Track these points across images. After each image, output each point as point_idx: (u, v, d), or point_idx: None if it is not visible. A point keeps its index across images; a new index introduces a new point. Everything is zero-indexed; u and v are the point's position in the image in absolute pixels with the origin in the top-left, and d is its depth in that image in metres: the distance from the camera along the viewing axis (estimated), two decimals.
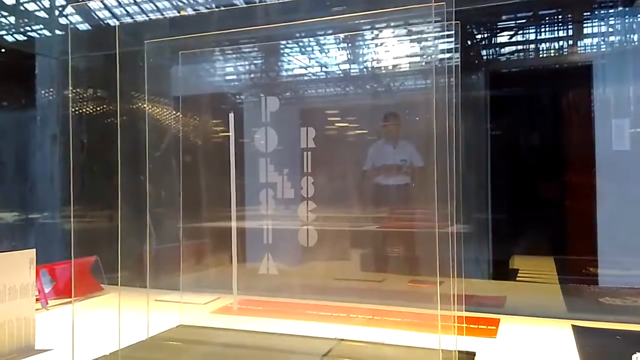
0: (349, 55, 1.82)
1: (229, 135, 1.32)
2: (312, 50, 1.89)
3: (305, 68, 1.82)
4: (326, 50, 1.90)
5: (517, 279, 1.18)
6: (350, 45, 1.80)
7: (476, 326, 0.97)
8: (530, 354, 0.84)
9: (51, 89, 2.03)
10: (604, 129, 1.36)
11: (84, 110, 1.97)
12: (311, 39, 1.87)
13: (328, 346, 0.84)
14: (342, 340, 0.87)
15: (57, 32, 2.06)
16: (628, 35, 1.54)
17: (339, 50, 1.84)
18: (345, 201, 1.20)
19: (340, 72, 1.79)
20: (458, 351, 0.80)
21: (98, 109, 1.96)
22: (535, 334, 0.93)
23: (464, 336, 0.88)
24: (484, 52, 1.88)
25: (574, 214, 1.32)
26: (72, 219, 1.00)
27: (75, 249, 0.94)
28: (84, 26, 1.99)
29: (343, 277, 1.21)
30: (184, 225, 0.94)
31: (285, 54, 1.86)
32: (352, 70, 1.87)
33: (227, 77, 1.90)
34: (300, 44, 1.87)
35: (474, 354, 0.83)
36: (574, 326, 0.92)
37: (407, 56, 1.82)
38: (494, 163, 1.25)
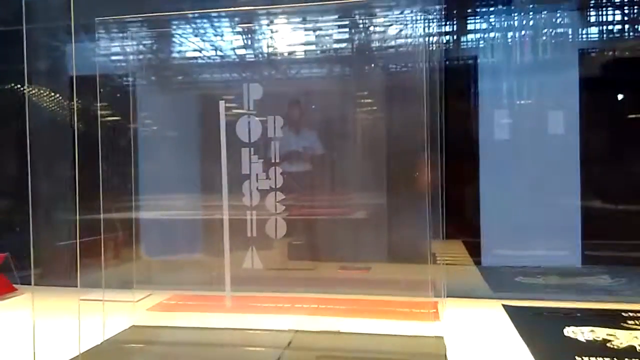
0: (245, 41, 1.78)
1: (117, 119, 1.26)
2: (206, 32, 1.83)
3: (200, 51, 1.76)
4: (221, 34, 1.85)
5: (437, 262, 1.24)
6: (247, 30, 1.76)
7: (418, 310, 1.00)
8: (480, 334, 0.88)
9: None
10: (487, 120, 1.46)
11: None
12: (205, 20, 1.81)
13: (287, 338, 0.83)
14: (297, 331, 0.86)
15: None
16: (510, 32, 1.66)
17: (234, 34, 1.80)
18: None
19: (236, 57, 1.76)
20: (426, 336, 0.82)
21: None
22: (473, 314, 0.97)
23: (412, 321, 0.90)
24: (375, 45, 1.93)
25: (464, 198, 1.41)
26: None
27: None
28: None
29: (274, 267, 1.19)
30: (80, 217, 0.87)
31: (177, 36, 1.78)
32: (247, 56, 1.84)
33: (114, 58, 1.78)
34: (194, 25, 1.80)
35: (442, 337, 0.85)
36: (504, 305, 0.99)
37: (303, 44, 1.82)
38: (390, 152, 1.29)
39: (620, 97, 1.71)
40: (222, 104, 0.95)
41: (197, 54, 1.79)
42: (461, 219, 1.37)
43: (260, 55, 1.81)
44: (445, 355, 0.79)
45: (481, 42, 1.77)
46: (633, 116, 1.68)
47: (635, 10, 1.87)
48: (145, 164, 0.98)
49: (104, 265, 0.85)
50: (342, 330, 0.88)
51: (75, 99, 0.98)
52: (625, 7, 1.86)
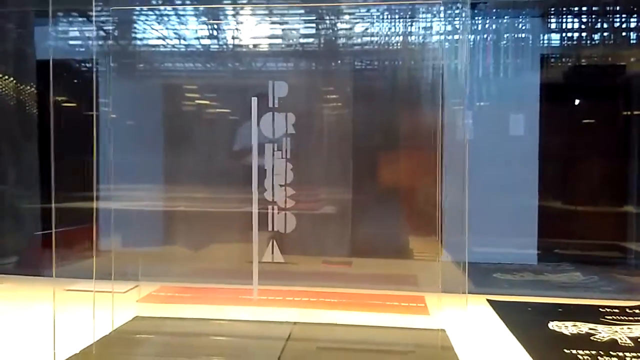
0: (210, 31, 1.75)
1: (73, 106, 1.21)
2: (169, 20, 1.79)
3: (164, 39, 1.72)
4: (185, 22, 1.81)
5: (415, 257, 1.25)
6: (211, 20, 1.73)
7: (407, 304, 1.01)
8: (471, 327, 0.89)
9: None
10: (451, 122, 1.48)
11: None
12: (169, 8, 1.77)
13: (287, 330, 0.84)
14: (296, 323, 0.87)
15: None
16: (478, 35, 1.69)
17: (198, 24, 1.77)
18: (218, 181, 1.16)
19: (200, 47, 1.72)
20: (429, 329, 0.83)
21: None
22: (460, 309, 0.98)
23: (403, 315, 0.91)
24: (341, 41, 1.93)
25: (428, 196, 1.43)
26: None
27: None
28: None
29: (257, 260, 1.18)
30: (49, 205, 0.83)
31: (140, 22, 1.73)
32: (212, 47, 1.80)
33: (73, 43, 1.72)
34: (157, 12, 1.75)
35: (443, 330, 0.86)
36: (489, 300, 1.00)
37: (268, 37, 1.81)
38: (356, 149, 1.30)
39: (577, 102, 1.77)
40: (254, 100, 0.94)
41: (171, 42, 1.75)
42: (424, 216, 1.39)
43: (225, 47, 1.79)
44: (452, 347, 0.81)
45: (446, 44, 1.79)
46: (586, 121, 1.75)
47: (593, 19, 1.94)
48: (116, 153, 0.95)
49: (95, 254, 0.82)
50: (338, 323, 0.89)
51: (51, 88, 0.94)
52: (583, 16, 1.93)
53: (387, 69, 1.83)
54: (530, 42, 1.77)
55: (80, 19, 1.63)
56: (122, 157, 1.02)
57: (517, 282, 1.17)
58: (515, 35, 1.72)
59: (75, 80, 1.46)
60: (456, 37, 1.82)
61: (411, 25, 1.87)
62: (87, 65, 1.69)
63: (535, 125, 1.50)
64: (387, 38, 1.86)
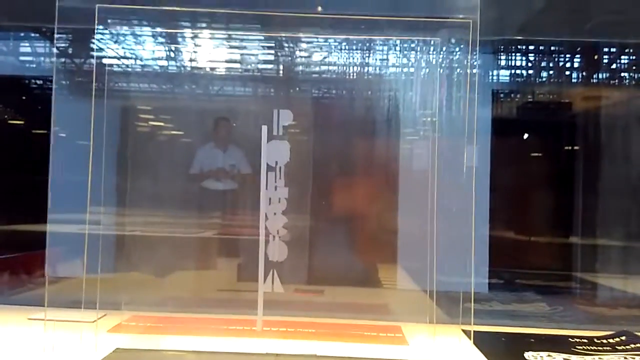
0: (168, 52, 1.74)
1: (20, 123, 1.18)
2: (125, 39, 1.76)
3: (119, 58, 1.69)
4: (142, 42, 1.79)
5: (384, 286, 1.25)
6: (169, 41, 1.72)
7: (385, 334, 1.00)
8: (454, 357, 0.88)
9: None
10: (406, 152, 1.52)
11: None
12: (126, 28, 1.74)
13: None
14: (278, 355, 0.84)
15: None
16: (428, 69, 1.74)
17: (156, 45, 1.75)
18: (173, 205, 1.14)
19: (158, 68, 1.70)
20: None
21: None
22: (436, 339, 0.97)
23: (382, 345, 0.90)
24: (300, 69, 1.95)
25: (384, 225, 1.44)
26: None
27: None
28: None
29: (226, 288, 1.15)
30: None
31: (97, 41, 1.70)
32: (170, 68, 1.79)
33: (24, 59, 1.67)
34: (113, 31, 1.73)
35: None
36: (463, 330, 1.00)
37: (226, 61, 1.81)
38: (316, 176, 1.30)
39: (525, 136, 1.84)
40: (264, 128, 0.93)
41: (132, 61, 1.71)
42: (382, 243, 1.40)
43: (183, 69, 1.77)
44: None
45: (402, 76, 1.84)
46: (535, 154, 1.82)
47: (539, 58, 2.04)
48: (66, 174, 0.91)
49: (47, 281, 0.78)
50: (319, 354, 0.87)
51: None
52: (530, 55, 2.03)
53: (344, 98, 1.86)
54: (483, 77, 1.84)
55: (32, 34, 1.58)
56: (73, 177, 0.98)
57: (487, 311, 1.18)
58: (468, 71, 1.79)
59: (24, 97, 1.41)
60: (412, 69, 1.88)
61: (368, 56, 1.92)
62: (38, 82, 1.64)
63: (486, 158, 1.55)
64: (344, 68, 1.89)
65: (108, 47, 1.74)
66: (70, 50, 1.65)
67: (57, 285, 1.10)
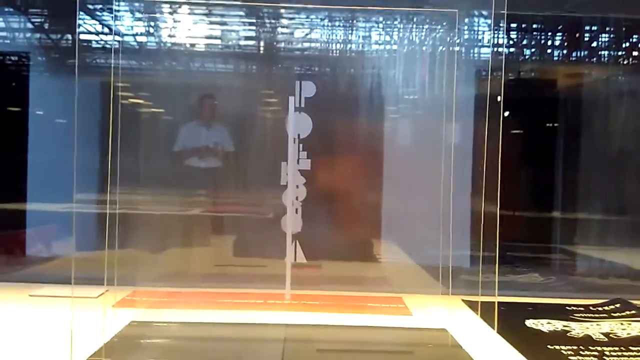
0: (147, 28, 1.70)
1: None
2: (102, 14, 1.72)
3: (97, 34, 1.65)
4: (120, 18, 1.75)
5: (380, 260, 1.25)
6: (147, 17, 1.68)
7: (387, 305, 1.01)
8: (461, 326, 0.89)
9: None
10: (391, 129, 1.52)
11: None
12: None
13: (281, 331, 0.81)
14: (288, 325, 0.85)
15: None
16: (412, 47, 1.73)
17: (134, 20, 1.71)
18: (159, 183, 1.12)
19: (136, 44, 1.67)
20: (429, 329, 0.82)
21: None
22: (438, 309, 0.98)
23: (386, 315, 0.90)
24: (281, 45, 1.93)
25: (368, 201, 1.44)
26: None
27: None
28: None
29: (223, 264, 1.15)
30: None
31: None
32: (149, 44, 1.75)
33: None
34: (91, 7, 1.68)
35: (446, 330, 0.86)
36: (464, 300, 1.02)
37: (206, 37, 1.78)
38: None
39: (507, 114, 1.85)
40: (291, 99, 0.94)
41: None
42: (365, 221, 1.41)
43: (162, 45, 1.74)
44: (461, 346, 0.81)
45: (385, 54, 1.83)
46: (515, 132, 1.84)
47: (520, 36, 2.04)
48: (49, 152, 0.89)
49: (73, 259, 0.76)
50: (332, 324, 0.88)
51: None
52: (512, 32, 2.03)
53: (326, 75, 1.84)
54: (464, 55, 1.84)
55: (7, 9, 1.54)
56: (55, 156, 0.96)
57: (484, 283, 1.21)
58: (451, 48, 1.78)
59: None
60: (394, 47, 1.87)
61: (351, 33, 1.90)
62: (12, 58, 1.60)
63: (469, 134, 1.55)
64: (327, 45, 1.88)
65: (86, 23, 1.70)
66: (46, 26, 1.60)
67: (46, 265, 1.08)
